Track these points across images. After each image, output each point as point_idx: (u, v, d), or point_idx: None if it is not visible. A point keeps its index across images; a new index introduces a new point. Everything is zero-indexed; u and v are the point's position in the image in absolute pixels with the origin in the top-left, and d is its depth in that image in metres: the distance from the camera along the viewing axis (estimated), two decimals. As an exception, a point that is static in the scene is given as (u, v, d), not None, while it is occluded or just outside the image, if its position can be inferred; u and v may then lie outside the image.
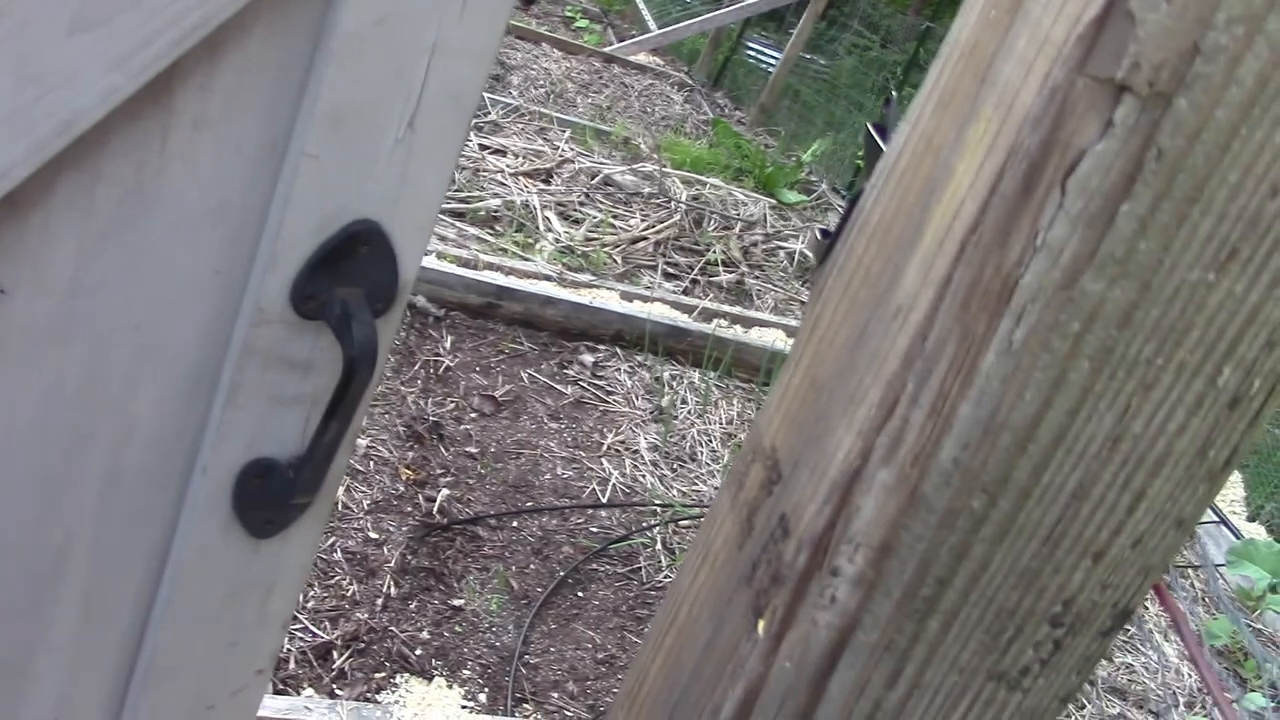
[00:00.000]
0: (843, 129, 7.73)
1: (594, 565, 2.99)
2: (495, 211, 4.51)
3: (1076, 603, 0.49)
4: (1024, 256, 0.43)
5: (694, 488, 3.43)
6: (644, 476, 3.40)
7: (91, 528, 0.86)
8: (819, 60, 9.50)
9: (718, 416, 3.87)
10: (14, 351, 0.76)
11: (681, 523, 3.27)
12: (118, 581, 0.90)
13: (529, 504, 3.10)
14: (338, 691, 2.33)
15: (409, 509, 2.88)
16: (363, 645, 2.46)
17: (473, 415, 3.35)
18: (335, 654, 2.41)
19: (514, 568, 2.87)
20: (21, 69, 0.65)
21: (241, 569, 0.92)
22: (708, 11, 8.57)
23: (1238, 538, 4.06)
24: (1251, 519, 4.64)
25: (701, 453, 3.62)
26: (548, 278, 4.13)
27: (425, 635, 2.56)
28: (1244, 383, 0.46)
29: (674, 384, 3.95)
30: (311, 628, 2.43)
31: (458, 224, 4.33)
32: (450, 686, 2.44)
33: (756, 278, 5.06)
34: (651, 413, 3.74)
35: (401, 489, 2.92)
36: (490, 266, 4.02)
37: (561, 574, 2.90)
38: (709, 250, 5.01)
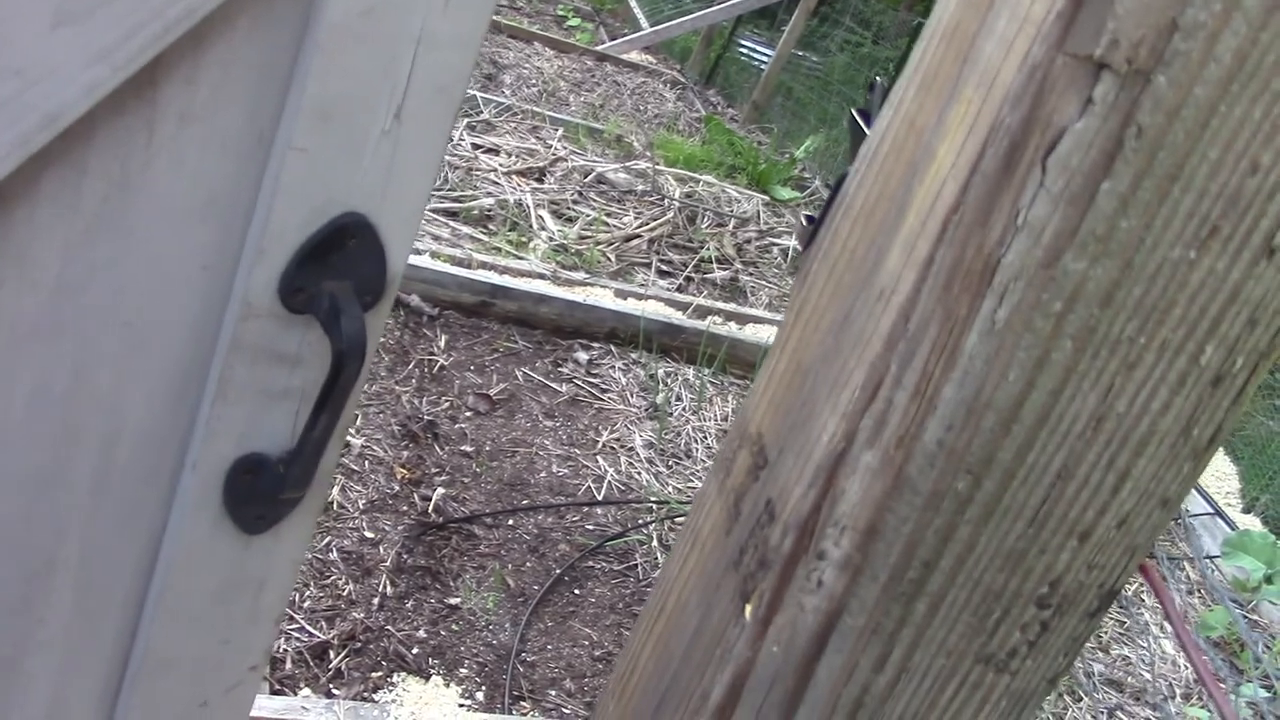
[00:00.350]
0: (835, 125, 7.73)
1: (590, 562, 2.99)
2: (489, 210, 4.51)
3: (1063, 584, 0.49)
4: (1005, 236, 0.43)
5: (690, 484, 3.43)
6: (639, 473, 3.40)
7: (81, 525, 0.85)
8: (811, 57, 9.50)
9: (713, 413, 3.87)
10: (1, 347, 0.75)
11: (677, 519, 3.27)
12: (109, 579, 0.90)
13: (525, 502, 3.10)
14: (335, 691, 2.33)
15: (404, 508, 2.87)
16: (359, 645, 2.46)
17: (468, 414, 3.35)
18: (332, 654, 2.41)
19: (510, 566, 2.86)
20: (4, 62, 0.64)
21: (233, 565, 0.92)
22: (700, 9, 8.57)
23: (1233, 529, 4.06)
24: (1246, 510, 4.65)
25: (697, 449, 3.62)
26: (542, 276, 4.13)
27: (422, 634, 2.56)
28: (1227, 361, 0.46)
29: (669, 381, 3.95)
30: (308, 627, 2.43)
31: (451, 223, 4.32)
32: (447, 685, 2.44)
33: (750, 274, 5.06)
34: (646, 410, 3.74)
35: (397, 488, 2.92)
36: (484, 265, 4.02)
37: (558, 571, 2.89)
38: (703, 247, 5.01)
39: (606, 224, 4.83)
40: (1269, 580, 3.85)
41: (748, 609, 0.51)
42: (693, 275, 4.81)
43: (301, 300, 0.82)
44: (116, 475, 0.85)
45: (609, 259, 4.59)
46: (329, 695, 2.31)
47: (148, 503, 0.88)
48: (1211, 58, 0.41)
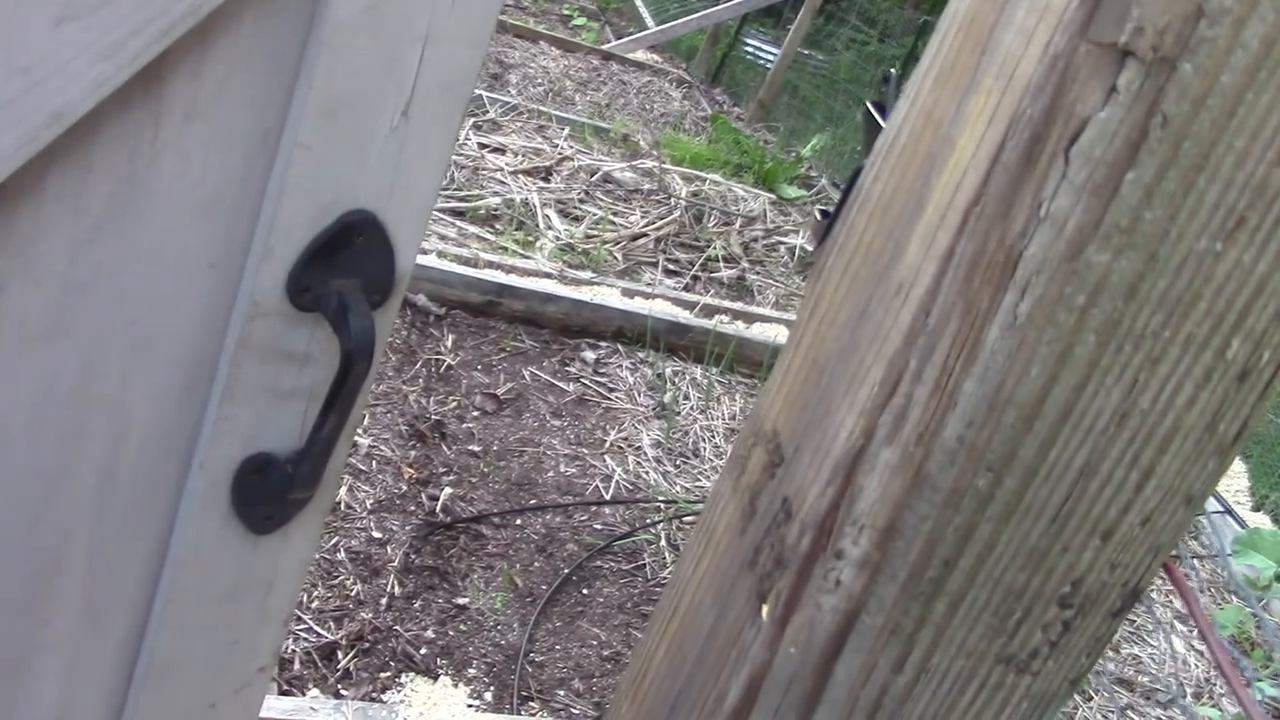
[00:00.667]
0: (842, 124, 7.71)
1: (598, 562, 2.98)
2: (495, 210, 4.51)
3: (1085, 583, 0.49)
4: (1027, 228, 0.43)
5: (697, 483, 3.42)
6: (647, 473, 3.39)
7: (89, 525, 0.85)
8: (817, 56, 9.49)
9: (720, 412, 3.87)
10: (7, 347, 0.75)
11: (686, 519, 3.26)
12: (116, 579, 0.89)
13: (532, 502, 3.09)
14: (343, 692, 2.33)
15: (412, 508, 2.87)
16: (367, 645, 2.45)
17: (475, 413, 3.35)
18: (340, 654, 2.40)
19: (518, 566, 2.86)
20: (9, 60, 0.64)
21: (241, 566, 0.92)
22: (705, 8, 8.56)
23: (1243, 527, 4.04)
24: (1256, 509, 4.63)
25: (705, 448, 3.62)
26: (549, 275, 4.12)
27: (430, 634, 2.55)
28: (1253, 355, 0.45)
29: (676, 380, 3.95)
30: (316, 628, 2.43)
31: (458, 223, 4.32)
32: (456, 685, 2.44)
33: (757, 273, 5.05)
34: (654, 409, 3.73)
35: (404, 488, 2.91)
36: (491, 265, 4.02)
37: (566, 571, 2.89)
38: (709, 246, 5.00)
39: (613, 223, 4.82)
40: (1279, 578, 3.83)
41: (764, 609, 0.51)
42: (699, 274, 4.80)
43: (309, 299, 0.82)
44: (123, 475, 0.84)
45: (616, 258, 4.59)
46: (337, 696, 2.30)
47: (155, 503, 0.87)
48: (1238, 44, 0.40)
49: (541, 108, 5.80)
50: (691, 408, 3.82)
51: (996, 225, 0.43)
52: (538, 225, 4.54)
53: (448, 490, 2.96)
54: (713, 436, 3.70)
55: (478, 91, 5.57)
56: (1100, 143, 0.41)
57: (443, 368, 3.48)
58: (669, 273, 4.72)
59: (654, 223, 4.94)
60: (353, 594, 2.55)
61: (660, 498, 3.29)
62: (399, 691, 2.37)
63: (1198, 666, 3.47)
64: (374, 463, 2.95)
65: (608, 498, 3.22)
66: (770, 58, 8.73)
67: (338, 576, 2.58)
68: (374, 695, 2.35)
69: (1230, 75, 0.41)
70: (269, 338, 0.82)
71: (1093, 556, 0.48)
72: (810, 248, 0.57)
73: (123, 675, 0.95)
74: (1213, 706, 3.37)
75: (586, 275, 4.26)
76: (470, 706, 2.39)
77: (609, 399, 3.68)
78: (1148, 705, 3.26)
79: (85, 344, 0.77)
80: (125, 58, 0.67)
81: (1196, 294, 0.44)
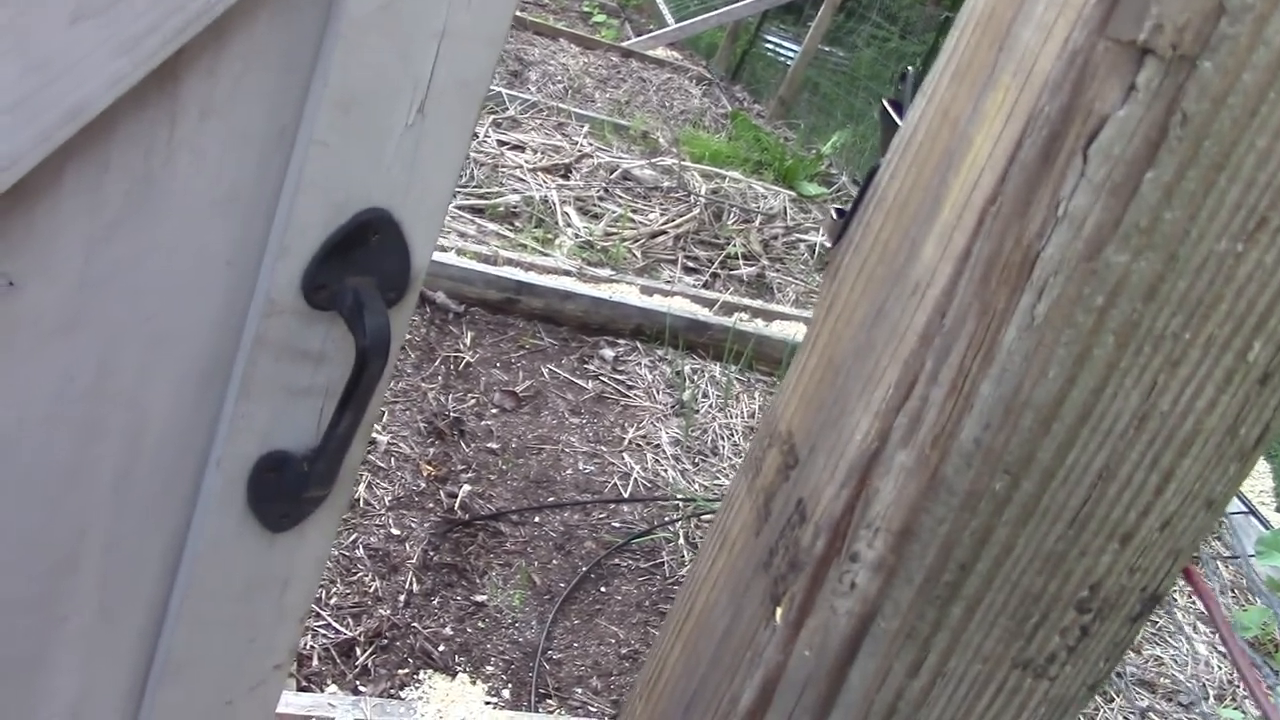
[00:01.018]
0: (862, 121, 7.69)
1: (616, 560, 2.98)
2: (514, 207, 4.51)
3: (1104, 587, 0.48)
4: (1045, 228, 0.42)
5: (716, 482, 3.42)
6: (666, 471, 3.39)
7: (105, 522, 0.85)
8: (838, 52, 9.46)
9: (739, 410, 3.86)
10: (24, 344, 0.75)
11: (704, 517, 3.25)
12: (133, 576, 0.89)
13: (551, 499, 3.09)
14: (361, 688, 2.33)
15: (430, 505, 2.87)
16: (386, 642, 2.46)
17: (494, 411, 3.35)
18: (358, 651, 2.41)
19: (536, 563, 2.86)
20: (25, 57, 0.64)
21: (257, 563, 0.92)
22: (726, 5, 8.53)
23: (1267, 528, 4.01)
24: (1281, 509, 4.59)
25: (723, 446, 3.61)
26: (567, 273, 4.12)
27: (448, 631, 2.56)
28: (1275, 357, 0.44)
29: (695, 378, 3.94)
30: (334, 624, 2.43)
31: (477, 220, 4.32)
32: (474, 683, 2.44)
33: (777, 271, 5.04)
34: (673, 407, 3.73)
35: (423, 485, 2.92)
36: (510, 262, 4.02)
37: (584, 569, 2.89)
38: (729, 244, 4.99)
39: (632, 220, 4.82)
40: (1304, 580, 3.80)
41: (778, 612, 0.50)
42: (719, 272, 4.79)
43: (325, 297, 0.82)
44: (140, 472, 0.84)
45: (635, 255, 4.58)
46: (355, 692, 2.31)
47: (171, 500, 0.87)
48: (1261, 42, 0.40)
49: (561, 105, 5.80)
50: (710, 405, 3.82)
51: (1014, 225, 0.43)
52: (557, 223, 4.55)
53: (466, 487, 2.97)
54: (731, 434, 3.70)
55: (497, 89, 5.58)
56: (1119, 141, 0.41)
57: (461, 365, 3.48)
58: (688, 270, 4.71)
59: (673, 220, 4.93)
60: (371, 591, 2.56)
61: (679, 496, 3.29)
62: (417, 688, 2.38)
63: (1220, 668, 3.45)
64: (393, 460, 2.96)
65: (626, 495, 3.22)
66: (791, 54, 8.71)
67: (356, 573, 2.58)
68: (392, 692, 2.35)
69: (1252, 73, 0.40)
70: (285, 335, 0.82)
71: (1111, 561, 0.47)
72: (827, 236, 0.56)
73: (139, 672, 0.95)
74: (1235, 709, 3.34)
75: (605, 273, 4.25)
76: (488, 704, 2.40)
77: (628, 396, 3.68)
78: (1170, 707, 3.23)
79: (101, 341, 0.77)
80: (141, 55, 0.67)
81: (1217, 295, 0.43)
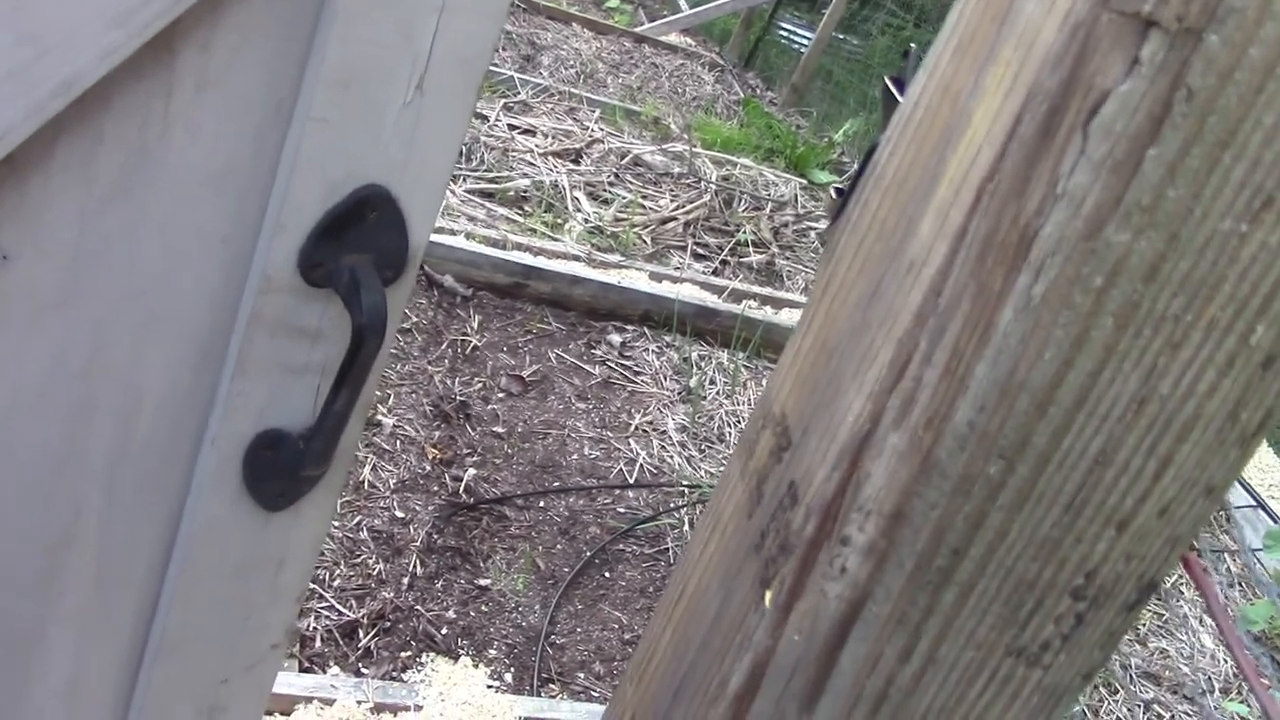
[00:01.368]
0: (875, 109, 7.64)
1: (621, 546, 2.97)
2: (524, 191, 4.50)
3: (1100, 574, 0.47)
4: (1044, 206, 0.41)
5: (722, 468, 3.41)
6: (671, 457, 3.38)
7: (100, 500, 0.85)
8: (852, 40, 9.41)
9: (746, 397, 3.85)
10: (17, 319, 0.74)
11: (709, 503, 3.24)
12: (128, 555, 0.89)
13: (556, 484, 3.09)
14: (364, 670, 2.34)
15: (435, 488, 2.87)
16: (389, 624, 2.46)
17: (500, 395, 3.35)
18: (361, 633, 2.41)
19: (540, 548, 2.86)
20: (18, 27, 0.63)
21: (253, 542, 0.91)
22: (739, -9, 8.48)
23: (1275, 522, 3.99)
24: (1290, 503, 4.56)
25: (730, 433, 3.60)
26: (576, 258, 4.11)
27: (451, 615, 2.56)
28: (1279, 341, 0.43)
29: (702, 364, 3.93)
30: (338, 606, 2.44)
31: (487, 204, 4.31)
32: (476, 666, 2.44)
33: (787, 258, 5.02)
34: (679, 393, 3.72)
35: (428, 468, 2.91)
36: (519, 246, 4.01)
37: (588, 554, 2.88)
38: (739, 231, 4.97)
39: (642, 206, 4.80)
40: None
41: (768, 595, 0.49)
42: (729, 259, 4.78)
43: (321, 274, 0.81)
44: (135, 449, 0.84)
45: (644, 241, 4.57)
46: (358, 674, 2.31)
47: (166, 478, 0.87)
48: (1269, 15, 0.38)
49: (573, 90, 5.78)
50: (717, 393, 3.81)
51: (1011, 203, 0.42)
52: (567, 207, 4.53)
53: (471, 471, 2.97)
54: (738, 422, 3.69)
55: (509, 73, 5.56)
56: (1121, 117, 0.40)
57: (468, 349, 3.48)
58: (698, 257, 4.70)
59: (683, 206, 4.92)
60: (375, 573, 2.56)
61: (684, 482, 3.28)
62: (419, 671, 2.38)
63: (1226, 661, 3.43)
64: (398, 442, 2.96)
65: (631, 481, 3.21)
66: (804, 42, 8.67)
67: (360, 555, 2.59)
68: (394, 674, 2.35)
69: (1260, 48, 0.39)
70: (281, 313, 0.81)
71: (1107, 547, 0.46)
72: (830, 223, 0.55)
73: (135, 651, 0.95)
74: (1241, 702, 3.33)
75: (615, 258, 4.24)
76: (490, 687, 2.40)
77: (634, 382, 3.67)
78: (1174, 699, 3.22)
79: (95, 316, 0.77)
80: (135, 26, 0.67)
81: (1220, 277, 0.42)
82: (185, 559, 0.89)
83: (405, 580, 2.57)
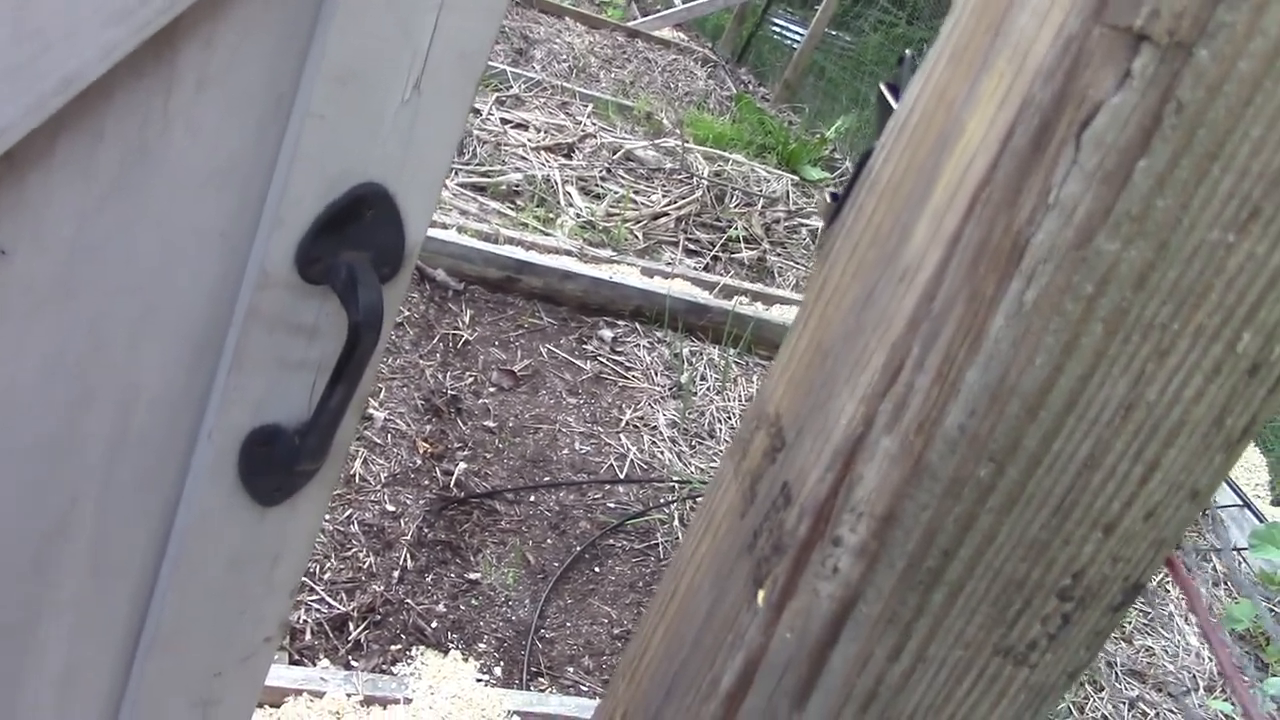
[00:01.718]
0: (868, 106, 7.65)
1: (611, 540, 2.98)
2: (516, 186, 4.50)
3: (1086, 576, 0.48)
4: (1035, 215, 0.42)
5: (712, 464, 3.42)
6: (662, 452, 3.39)
7: (96, 493, 0.85)
8: (844, 37, 9.42)
9: (737, 393, 3.86)
10: (15, 313, 0.75)
11: (699, 499, 3.25)
12: (124, 547, 0.89)
13: (546, 479, 3.09)
14: (353, 663, 2.34)
15: (426, 482, 2.88)
16: (379, 617, 2.47)
17: (491, 389, 3.35)
18: (351, 626, 2.42)
19: (531, 542, 2.86)
20: (18, 24, 0.64)
21: (248, 536, 0.92)
22: (733, -13, 8.48)
23: (1261, 521, 4.01)
24: (1276, 503, 4.60)
25: (720, 429, 3.61)
26: (568, 253, 4.11)
27: (441, 608, 2.56)
28: (1265, 348, 0.44)
29: (693, 360, 3.94)
30: (328, 599, 2.44)
31: (479, 198, 4.31)
32: (466, 660, 2.45)
33: (778, 255, 5.03)
34: (670, 389, 3.73)
35: (419, 462, 2.92)
36: (511, 241, 4.01)
37: (578, 549, 2.89)
38: (731, 227, 4.98)
39: (634, 201, 4.81)
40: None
41: (761, 594, 0.50)
42: (720, 254, 4.79)
43: (318, 271, 0.81)
44: (131, 443, 0.84)
45: (636, 237, 4.57)
46: (348, 667, 2.32)
47: (163, 472, 0.87)
48: (1258, 30, 0.39)
49: (565, 84, 5.78)
50: (708, 388, 3.82)
51: (1004, 211, 0.43)
52: (559, 202, 4.54)
53: (462, 465, 2.97)
54: (729, 417, 3.70)
55: (502, 67, 5.56)
56: (1113, 128, 0.41)
57: (460, 343, 3.48)
58: (689, 252, 4.71)
59: (675, 202, 4.92)
60: (365, 566, 2.56)
61: (674, 477, 3.29)
62: (409, 664, 2.38)
63: (1210, 659, 3.45)
64: (389, 436, 2.96)
65: (622, 476, 3.22)
66: (797, 38, 8.67)
67: (350, 548, 2.59)
68: (384, 667, 2.36)
69: (1248, 62, 0.40)
70: (278, 309, 0.82)
71: (1094, 550, 0.47)
72: (825, 226, 0.56)
73: (129, 642, 0.95)
74: (1225, 700, 3.36)
75: (606, 253, 4.25)
76: (479, 681, 2.40)
77: (626, 378, 3.68)
78: (1159, 697, 3.25)
79: (94, 310, 0.77)
80: (136, 23, 0.67)
81: (1208, 285, 0.43)
82: (180, 552, 0.90)
83: (395, 574, 2.58)
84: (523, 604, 2.67)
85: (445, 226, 3.87)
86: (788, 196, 5.51)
